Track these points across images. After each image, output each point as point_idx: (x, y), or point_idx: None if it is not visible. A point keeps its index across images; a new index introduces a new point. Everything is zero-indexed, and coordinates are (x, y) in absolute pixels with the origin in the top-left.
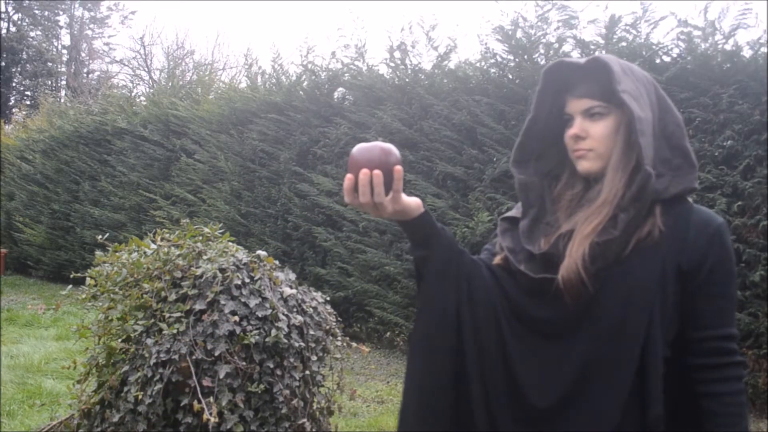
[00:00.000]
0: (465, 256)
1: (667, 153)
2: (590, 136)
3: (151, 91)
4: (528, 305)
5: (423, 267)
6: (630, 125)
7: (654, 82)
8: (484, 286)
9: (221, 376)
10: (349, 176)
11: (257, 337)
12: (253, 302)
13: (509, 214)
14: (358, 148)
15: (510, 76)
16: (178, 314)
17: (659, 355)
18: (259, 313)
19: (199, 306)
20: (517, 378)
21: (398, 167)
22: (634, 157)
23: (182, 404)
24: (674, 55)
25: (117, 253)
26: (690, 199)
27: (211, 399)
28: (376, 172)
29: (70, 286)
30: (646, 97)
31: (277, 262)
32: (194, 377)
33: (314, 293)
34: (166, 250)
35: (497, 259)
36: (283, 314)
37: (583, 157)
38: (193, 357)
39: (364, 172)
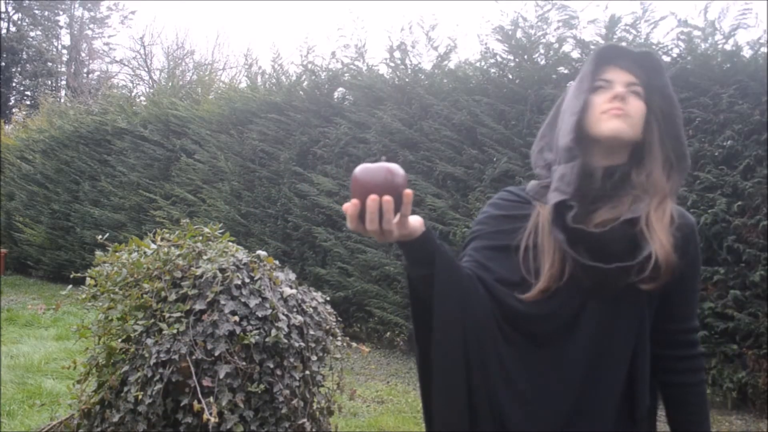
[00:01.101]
0: (463, 271)
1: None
2: (630, 105)
3: (151, 91)
4: (523, 312)
5: (425, 286)
6: (666, 120)
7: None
8: (481, 300)
9: (221, 376)
10: (354, 202)
11: (257, 337)
12: (253, 302)
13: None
14: (363, 170)
15: (510, 76)
16: (178, 314)
17: (648, 353)
18: (259, 313)
19: (199, 306)
20: (517, 385)
21: (408, 191)
22: (671, 152)
23: (182, 404)
24: (674, 55)
25: (117, 253)
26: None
27: (211, 399)
28: (387, 198)
29: (70, 286)
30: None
31: (277, 262)
32: (194, 377)
33: (314, 293)
34: (166, 250)
35: (532, 295)
36: (283, 314)
37: (618, 117)
38: (193, 357)
39: (372, 198)
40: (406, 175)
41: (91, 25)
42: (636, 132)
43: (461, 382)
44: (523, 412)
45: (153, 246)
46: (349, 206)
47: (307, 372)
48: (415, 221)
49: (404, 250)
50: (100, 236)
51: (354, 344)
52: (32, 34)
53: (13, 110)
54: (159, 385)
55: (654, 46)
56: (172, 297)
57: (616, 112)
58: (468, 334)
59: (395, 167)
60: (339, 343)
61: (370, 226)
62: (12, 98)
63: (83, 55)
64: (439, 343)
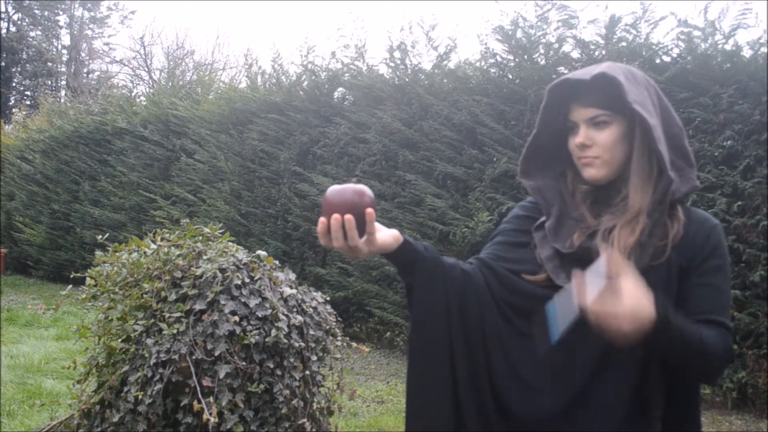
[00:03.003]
0: (454, 272)
1: (671, 154)
2: (596, 144)
3: (151, 91)
4: (537, 293)
5: (410, 293)
6: (644, 134)
7: (655, 85)
8: (477, 300)
9: (221, 376)
10: (322, 220)
11: (257, 337)
12: (253, 302)
13: (536, 221)
14: (332, 191)
15: (510, 76)
16: (178, 314)
17: (661, 356)
18: (259, 313)
19: (199, 306)
20: (527, 381)
21: (370, 210)
22: (655, 164)
23: (182, 404)
24: (674, 55)
25: (117, 253)
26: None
27: (211, 399)
28: (348, 217)
29: (70, 286)
30: (650, 102)
31: (277, 262)
32: (194, 377)
33: (314, 293)
34: (166, 250)
35: (539, 278)
36: (283, 314)
37: (589, 165)
38: (193, 357)
39: (335, 218)
40: (373, 197)
41: (91, 25)
42: (612, 167)
43: (439, 383)
44: (527, 400)
45: (153, 246)
46: (319, 224)
47: (307, 372)
48: (388, 237)
49: (388, 260)
50: (100, 236)
51: (354, 344)
52: (32, 34)
53: (13, 110)
54: (159, 385)
55: (654, 46)
56: (172, 297)
57: (585, 162)
58: (455, 335)
59: (362, 188)
60: (339, 343)
61: (335, 243)
62: (12, 98)
63: (83, 55)
64: (414, 349)
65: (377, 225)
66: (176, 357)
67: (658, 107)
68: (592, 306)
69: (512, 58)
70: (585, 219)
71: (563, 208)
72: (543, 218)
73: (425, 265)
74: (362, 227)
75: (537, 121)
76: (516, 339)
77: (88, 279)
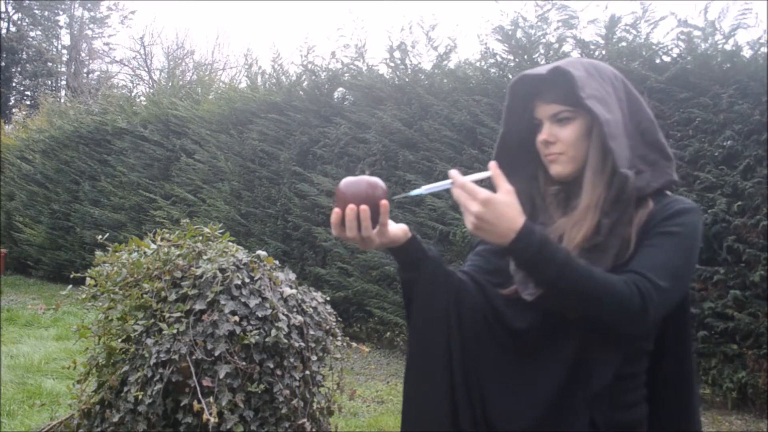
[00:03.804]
0: (453, 277)
1: (642, 149)
2: (560, 140)
3: (151, 91)
4: (514, 316)
5: (411, 290)
6: (600, 129)
7: (623, 79)
8: (472, 307)
9: (221, 376)
10: (336, 210)
11: (257, 337)
12: (253, 302)
13: None
14: (345, 182)
15: (510, 76)
16: (178, 314)
17: (633, 363)
18: (259, 313)
19: (199, 306)
20: (507, 384)
21: (384, 201)
22: (610, 160)
23: (182, 404)
24: (674, 55)
25: (117, 253)
26: (669, 193)
27: (211, 399)
28: (363, 207)
29: (70, 286)
30: (614, 95)
31: (277, 262)
32: (194, 377)
33: (314, 293)
34: (166, 250)
35: (510, 291)
36: (283, 314)
37: (554, 161)
38: (193, 357)
39: (350, 208)
40: (386, 189)
41: (91, 25)
42: (578, 162)
43: (438, 386)
44: (506, 410)
45: (153, 246)
46: (332, 214)
47: (307, 372)
48: (398, 230)
49: (392, 254)
50: (100, 236)
51: (354, 344)
52: (32, 34)
53: (13, 110)
54: (159, 385)
55: (654, 46)
56: (172, 297)
57: (551, 158)
58: (452, 337)
59: (375, 180)
60: (339, 343)
61: (349, 233)
62: (12, 98)
63: (83, 55)
64: (413, 351)
65: None
66: (176, 357)
67: (624, 102)
68: (464, 181)
69: (512, 58)
70: (552, 221)
71: (533, 212)
72: None
73: (428, 265)
74: (375, 218)
75: (502, 122)
76: (498, 351)
77: (88, 279)
